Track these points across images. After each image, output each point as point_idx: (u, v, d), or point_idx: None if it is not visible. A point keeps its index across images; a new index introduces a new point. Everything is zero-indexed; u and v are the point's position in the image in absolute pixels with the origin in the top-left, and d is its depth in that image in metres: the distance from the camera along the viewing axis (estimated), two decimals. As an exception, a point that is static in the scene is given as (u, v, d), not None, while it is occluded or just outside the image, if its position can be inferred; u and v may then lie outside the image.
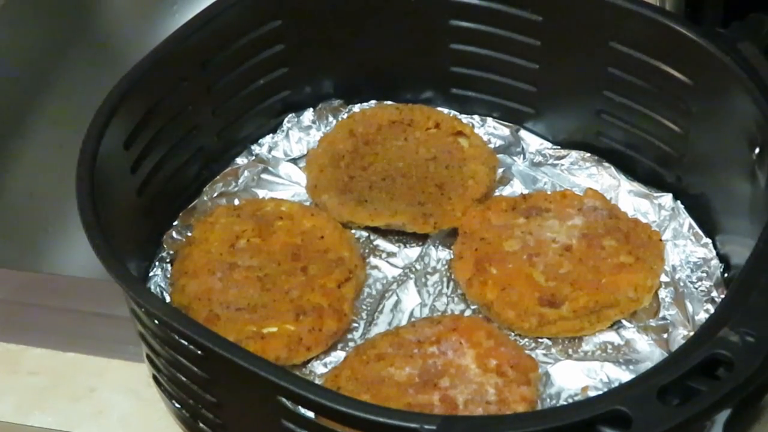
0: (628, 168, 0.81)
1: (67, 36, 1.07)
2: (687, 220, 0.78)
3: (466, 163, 0.81)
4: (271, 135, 0.86)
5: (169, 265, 0.77)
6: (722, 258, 0.75)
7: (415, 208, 0.78)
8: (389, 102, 0.88)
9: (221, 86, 0.80)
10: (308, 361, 0.72)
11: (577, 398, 0.69)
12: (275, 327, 0.71)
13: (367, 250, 0.79)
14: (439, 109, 0.86)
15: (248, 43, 0.81)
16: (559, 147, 0.84)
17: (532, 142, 0.85)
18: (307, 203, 0.81)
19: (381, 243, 0.79)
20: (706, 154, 0.75)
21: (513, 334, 0.73)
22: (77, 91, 1.04)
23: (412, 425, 0.53)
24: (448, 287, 0.76)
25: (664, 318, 0.73)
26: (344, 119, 0.86)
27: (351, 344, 0.73)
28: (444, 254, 0.78)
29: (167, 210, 0.80)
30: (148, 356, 0.68)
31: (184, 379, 0.64)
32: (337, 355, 0.72)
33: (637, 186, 0.81)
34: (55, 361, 0.75)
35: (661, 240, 0.76)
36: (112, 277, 0.62)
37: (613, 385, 0.69)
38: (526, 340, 0.73)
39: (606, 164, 0.82)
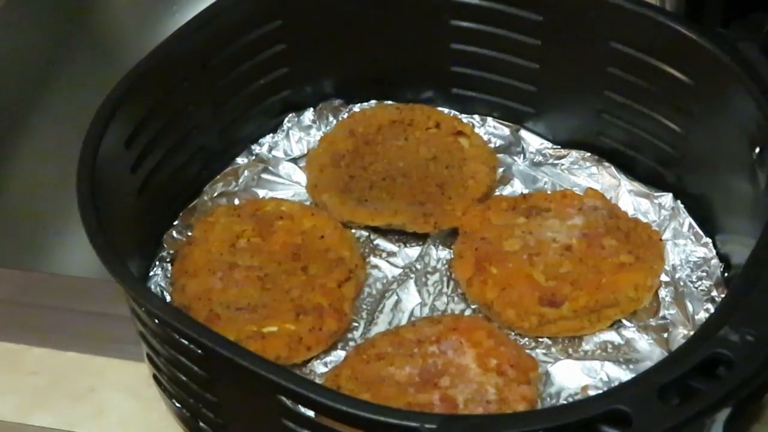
0: (629, 168, 0.81)
1: (67, 36, 1.07)
2: (687, 219, 0.78)
3: (466, 162, 0.82)
4: (271, 135, 0.86)
5: (169, 264, 0.77)
6: (722, 257, 0.75)
7: (416, 208, 0.78)
8: (390, 102, 0.88)
9: (222, 86, 0.80)
10: (308, 361, 0.72)
11: (577, 397, 0.69)
12: (275, 326, 0.71)
13: (367, 250, 0.79)
14: (440, 108, 0.87)
15: (249, 43, 0.81)
16: (559, 147, 0.84)
17: (532, 141, 0.85)
18: (308, 203, 0.81)
19: (381, 242, 0.79)
20: (707, 154, 0.75)
21: (513, 333, 0.73)
22: (77, 91, 1.04)
23: (413, 424, 0.53)
24: (448, 287, 0.76)
25: (664, 317, 0.73)
26: (345, 119, 0.86)
27: (351, 344, 0.73)
28: (444, 254, 0.78)
29: (167, 209, 0.80)
30: (148, 356, 0.68)
31: (184, 378, 0.64)
32: (338, 355, 0.72)
33: (637, 185, 0.81)
34: (55, 361, 0.75)
35: (661, 239, 0.76)
36: (113, 276, 0.62)
37: (613, 385, 0.69)
38: (526, 339, 0.73)
39: (606, 164, 0.82)
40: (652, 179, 0.80)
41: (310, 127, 0.86)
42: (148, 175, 0.75)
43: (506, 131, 0.86)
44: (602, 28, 0.77)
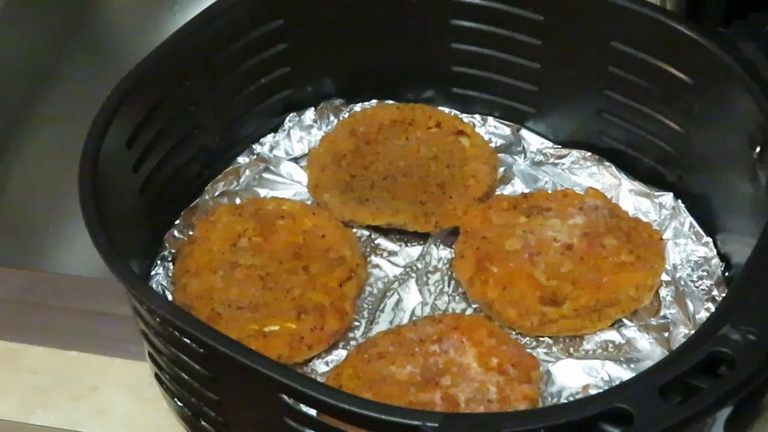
0: (629, 167, 0.81)
1: (67, 36, 1.08)
2: (688, 219, 0.78)
3: (467, 162, 0.82)
4: (272, 134, 0.86)
5: (170, 263, 0.77)
6: (723, 257, 0.75)
7: (417, 207, 0.79)
8: (390, 101, 0.88)
9: (223, 85, 0.81)
10: (310, 360, 0.72)
11: (578, 397, 0.69)
12: (277, 326, 0.72)
13: (368, 249, 0.79)
14: (441, 108, 0.87)
15: (250, 43, 0.81)
16: (560, 146, 0.84)
17: (533, 141, 0.85)
18: (309, 202, 0.81)
19: (382, 242, 0.79)
20: (707, 153, 0.75)
21: (514, 332, 0.73)
22: (78, 91, 1.04)
23: (415, 423, 0.53)
24: (449, 286, 0.76)
25: (665, 317, 0.73)
26: (345, 118, 0.86)
27: (352, 343, 0.73)
28: (445, 253, 0.78)
29: (169, 209, 0.80)
30: (150, 354, 0.68)
31: (186, 377, 0.64)
32: (339, 354, 0.72)
33: (637, 185, 0.81)
34: (56, 360, 0.75)
35: (661, 239, 0.76)
36: (115, 275, 0.62)
37: (614, 384, 0.69)
38: (528, 338, 0.73)
39: (607, 163, 0.82)
40: (652, 179, 0.80)
41: (311, 126, 0.86)
42: (149, 174, 0.75)
43: (507, 131, 0.86)
44: (603, 27, 0.77)
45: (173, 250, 0.78)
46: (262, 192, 0.83)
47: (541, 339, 0.73)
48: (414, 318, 0.74)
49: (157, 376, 0.69)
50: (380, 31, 0.84)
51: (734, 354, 0.55)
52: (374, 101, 0.88)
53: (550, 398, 0.69)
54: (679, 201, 0.79)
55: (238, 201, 0.82)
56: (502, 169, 0.83)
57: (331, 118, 0.87)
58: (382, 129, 0.84)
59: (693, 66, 0.73)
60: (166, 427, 0.70)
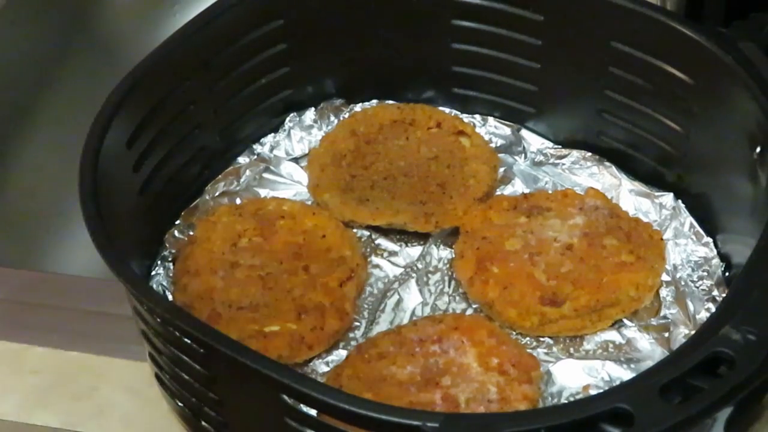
0: (629, 167, 0.82)
1: (67, 36, 1.08)
2: (688, 219, 0.78)
3: (467, 162, 0.82)
4: (272, 134, 0.86)
5: (171, 264, 0.77)
6: (723, 257, 0.75)
7: (417, 207, 0.79)
8: (391, 101, 0.88)
9: (223, 85, 0.81)
10: (310, 360, 0.72)
11: (578, 397, 0.69)
12: (277, 326, 0.71)
13: (368, 249, 0.79)
14: (441, 108, 0.87)
15: (250, 43, 0.81)
16: (560, 146, 0.84)
17: (533, 141, 0.85)
18: (309, 202, 0.81)
19: (382, 242, 0.79)
20: (707, 154, 0.75)
21: (514, 332, 0.73)
22: (78, 91, 1.04)
23: (415, 423, 0.53)
24: (449, 286, 0.76)
25: (665, 317, 0.73)
26: (346, 118, 0.86)
27: (353, 343, 0.73)
28: (445, 253, 0.78)
29: (169, 209, 0.80)
30: (150, 355, 0.68)
31: (186, 377, 0.64)
32: (339, 354, 0.72)
33: (638, 185, 0.81)
34: (57, 360, 0.75)
35: (662, 239, 0.76)
36: (115, 275, 0.62)
37: (614, 384, 0.69)
38: (528, 338, 0.73)
39: (607, 163, 0.82)
40: (652, 179, 0.80)
41: (311, 126, 0.86)
42: (149, 174, 0.75)
43: (507, 131, 0.86)
44: (603, 27, 0.77)
45: (173, 250, 0.78)
46: (263, 192, 0.83)
47: (541, 339, 0.73)
48: (414, 318, 0.74)
49: (157, 376, 0.69)
50: (380, 32, 0.84)
51: (734, 354, 0.55)
52: (374, 101, 0.88)
53: (550, 398, 0.69)
54: (680, 201, 0.79)
55: (238, 201, 0.82)
56: (502, 169, 0.83)
57: (332, 118, 0.87)
58: (382, 129, 0.84)
59: (693, 66, 0.73)
60: (166, 427, 0.70)
